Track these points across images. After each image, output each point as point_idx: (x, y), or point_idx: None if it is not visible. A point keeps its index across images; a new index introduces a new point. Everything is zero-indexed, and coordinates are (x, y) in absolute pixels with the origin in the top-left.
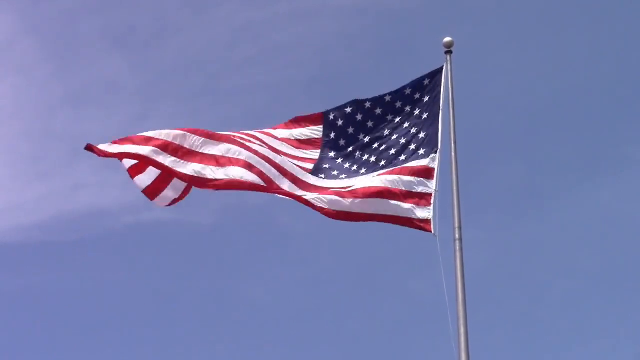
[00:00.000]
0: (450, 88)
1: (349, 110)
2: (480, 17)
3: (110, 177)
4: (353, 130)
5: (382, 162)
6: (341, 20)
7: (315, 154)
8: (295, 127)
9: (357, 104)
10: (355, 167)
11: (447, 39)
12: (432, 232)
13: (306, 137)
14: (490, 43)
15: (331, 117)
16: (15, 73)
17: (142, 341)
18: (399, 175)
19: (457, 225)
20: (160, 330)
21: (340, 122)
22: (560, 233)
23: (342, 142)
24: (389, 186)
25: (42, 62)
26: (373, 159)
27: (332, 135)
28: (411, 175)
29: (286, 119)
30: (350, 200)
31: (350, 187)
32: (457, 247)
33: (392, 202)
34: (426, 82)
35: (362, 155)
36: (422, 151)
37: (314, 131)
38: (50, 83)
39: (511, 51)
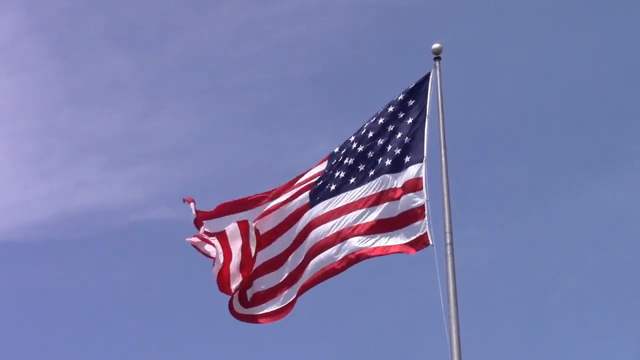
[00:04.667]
0: (439, 94)
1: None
2: (483, 15)
3: (114, 176)
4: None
5: (371, 172)
6: (345, 18)
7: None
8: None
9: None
10: (343, 175)
11: (436, 45)
12: (430, 243)
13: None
14: (495, 41)
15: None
16: (19, 71)
17: (146, 340)
18: (391, 202)
19: (447, 230)
20: (164, 329)
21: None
22: (564, 231)
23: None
24: (382, 217)
25: (46, 60)
26: (362, 167)
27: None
28: (401, 196)
29: (290, 117)
30: (337, 247)
31: (340, 221)
32: (449, 251)
33: (386, 234)
34: (413, 86)
35: (353, 162)
36: (407, 159)
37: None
38: (54, 81)
39: (514, 49)
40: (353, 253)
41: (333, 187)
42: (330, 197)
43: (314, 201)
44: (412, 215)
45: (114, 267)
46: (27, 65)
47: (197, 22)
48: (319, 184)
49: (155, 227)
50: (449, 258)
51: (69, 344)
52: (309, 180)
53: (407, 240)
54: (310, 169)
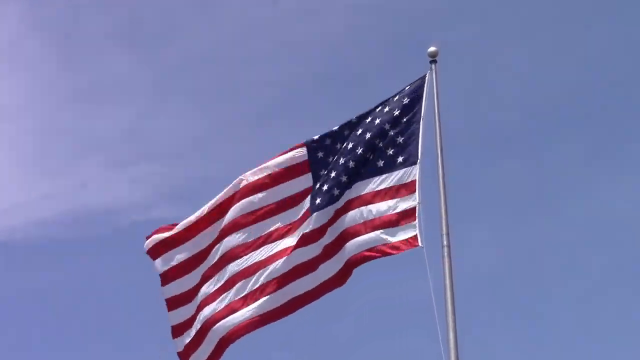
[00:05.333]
0: (435, 97)
1: (335, 128)
2: (481, 16)
3: (116, 175)
4: (338, 145)
5: (362, 169)
6: (350, 17)
7: (307, 180)
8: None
9: (345, 125)
10: (344, 179)
11: (432, 49)
12: (420, 244)
13: (290, 165)
14: (492, 42)
15: (315, 139)
16: (22, 70)
17: (147, 339)
18: (381, 202)
19: (444, 232)
20: (166, 328)
21: (327, 141)
22: (564, 233)
23: (329, 159)
24: (370, 218)
25: (49, 59)
26: (352, 164)
27: (320, 154)
28: (393, 198)
29: (294, 116)
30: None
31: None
32: (445, 254)
33: (374, 233)
34: (408, 88)
35: (347, 161)
36: (400, 159)
37: (298, 153)
38: (57, 80)
39: (512, 50)
40: (345, 262)
41: (336, 192)
42: (334, 202)
43: (314, 205)
44: (404, 217)
45: (116, 267)
46: (29, 64)
47: (202, 21)
48: (316, 187)
49: (158, 226)
50: (446, 260)
51: (71, 344)
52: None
53: (395, 241)
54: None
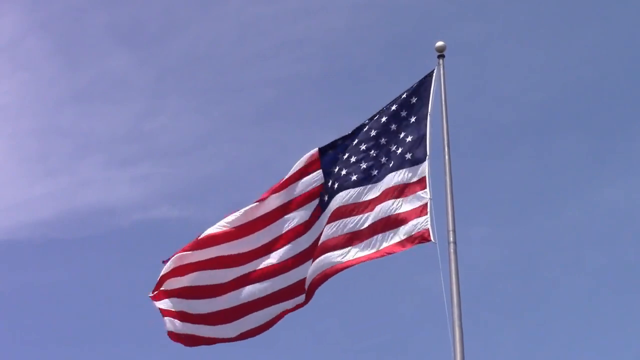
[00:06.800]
0: (442, 92)
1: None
2: (488, 13)
3: (117, 174)
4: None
5: (375, 172)
6: (350, 15)
7: (318, 178)
8: (295, 182)
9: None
10: (354, 177)
11: (439, 43)
12: (432, 240)
13: (306, 191)
14: (499, 39)
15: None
16: (22, 70)
17: (148, 339)
18: (394, 199)
19: (451, 228)
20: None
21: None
22: (567, 230)
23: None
24: (381, 217)
25: (49, 58)
26: (365, 165)
27: (336, 169)
28: (405, 195)
29: (294, 115)
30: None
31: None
32: (452, 250)
33: (387, 233)
34: (416, 85)
35: (356, 160)
36: (408, 155)
37: (314, 178)
38: (57, 79)
39: (518, 47)
40: (355, 259)
41: (336, 185)
42: (335, 194)
43: (322, 203)
44: (415, 213)
45: (117, 266)
46: (30, 63)
47: (202, 20)
48: (327, 185)
49: (158, 226)
50: (452, 256)
51: (71, 343)
52: (307, 194)
53: (406, 237)
54: (299, 172)
